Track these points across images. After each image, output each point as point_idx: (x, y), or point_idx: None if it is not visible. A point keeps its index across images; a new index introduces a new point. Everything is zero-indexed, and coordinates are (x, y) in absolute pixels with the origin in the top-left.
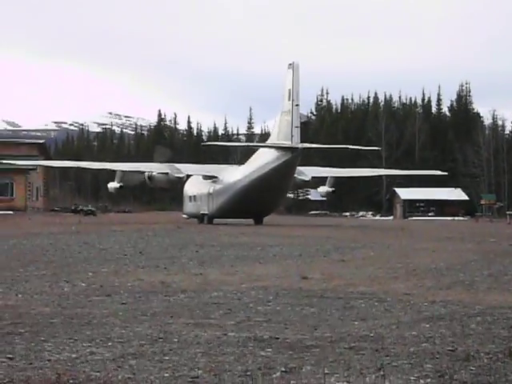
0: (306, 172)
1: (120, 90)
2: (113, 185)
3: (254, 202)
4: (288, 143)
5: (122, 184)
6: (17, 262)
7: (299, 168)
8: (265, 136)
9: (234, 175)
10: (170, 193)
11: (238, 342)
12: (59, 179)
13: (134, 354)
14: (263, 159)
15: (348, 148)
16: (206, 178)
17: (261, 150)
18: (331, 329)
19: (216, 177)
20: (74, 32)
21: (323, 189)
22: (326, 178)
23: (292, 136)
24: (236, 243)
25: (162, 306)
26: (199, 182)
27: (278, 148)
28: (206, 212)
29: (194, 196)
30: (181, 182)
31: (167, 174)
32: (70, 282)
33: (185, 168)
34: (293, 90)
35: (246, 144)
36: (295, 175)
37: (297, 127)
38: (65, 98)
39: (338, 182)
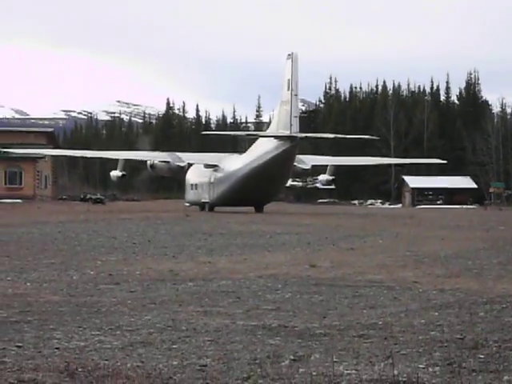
0: (306, 160)
1: (128, 78)
2: (115, 173)
3: (253, 191)
4: (286, 132)
5: (124, 172)
6: (26, 251)
7: (299, 156)
8: None
9: (234, 164)
10: (178, 181)
11: (247, 330)
12: (68, 168)
13: (142, 342)
14: (263, 148)
15: (345, 137)
16: (207, 166)
17: (261, 139)
18: (340, 317)
19: (217, 165)
20: (83, 20)
21: (323, 177)
22: (327, 166)
23: (291, 125)
24: (245, 231)
25: (171, 294)
26: (200, 171)
27: (276, 137)
28: (207, 200)
29: (196, 184)
30: (182, 170)
31: (168, 162)
32: (78, 270)
33: (186, 156)
34: (292, 80)
35: (246, 133)
36: (295, 163)
37: (295, 117)
38: (73, 87)
39: (346, 170)
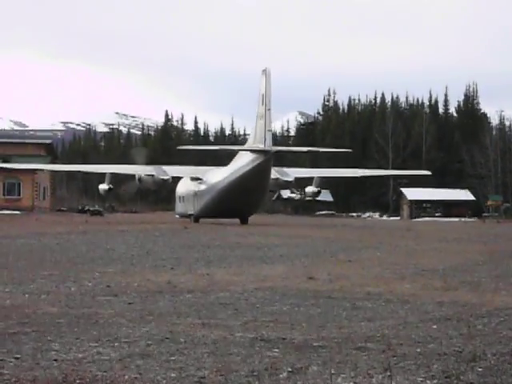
0: (290, 173)
1: (127, 90)
2: (102, 186)
3: (233, 203)
4: (261, 146)
5: (111, 186)
6: (24, 262)
7: (283, 169)
8: (272, 136)
9: (215, 177)
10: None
11: (245, 342)
12: (66, 179)
13: (140, 354)
14: (240, 161)
15: (319, 151)
16: (193, 179)
17: (240, 152)
18: (338, 329)
19: (201, 178)
20: (82, 32)
21: (310, 189)
22: (311, 178)
23: (265, 139)
24: (243, 243)
25: (169, 306)
26: (187, 183)
27: (252, 151)
28: (192, 212)
29: (183, 197)
30: (166, 183)
31: (153, 175)
32: (76, 281)
33: (170, 170)
34: (265, 94)
35: (224, 147)
36: (278, 176)
37: (269, 131)
38: (72, 98)
39: (345, 183)
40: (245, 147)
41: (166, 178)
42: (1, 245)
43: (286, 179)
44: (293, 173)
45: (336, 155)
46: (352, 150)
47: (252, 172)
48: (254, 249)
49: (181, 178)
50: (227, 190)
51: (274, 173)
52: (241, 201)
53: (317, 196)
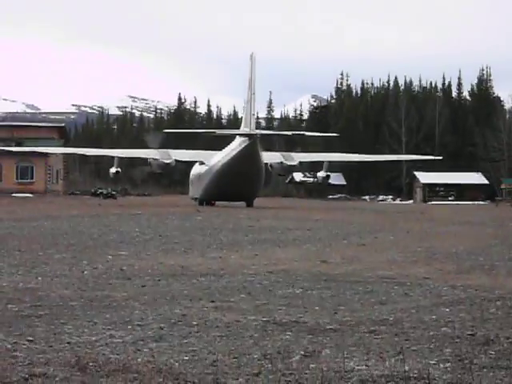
0: (295, 157)
1: (140, 73)
2: (111, 170)
3: (228, 186)
4: (247, 130)
5: (118, 169)
6: (37, 245)
7: (289, 153)
8: (285, 120)
9: (212, 160)
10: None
11: (258, 325)
12: (79, 162)
13: (153, 337)
14: (232, 145)
15: (304, 134)
16: (201, 163)
17: (237, 136)
18: (351, 312)
19: (204, 163)
20: (95, 15)
21: (320, 174)
22: (315, 162)
23: (250, 123)
24: (255, 227)
25: (182, 289)
26: (196, 168)
27: (237, 135)
28: (197, 195)
29: (192, 180)
30: (169, 167)
31: (157, 159)
32: (89, 264)
33: (175, 154)
34: (251, 79)
35: (209, 131)
36: (283, 160)
37: (253, 115)
38: (85, 81)
39: (358, 166)
40: (229, 131)
41: (168, 161)
42: (14, 228)
43: (289, 163)
44: (297, 157)
45: (349, 139)
46: (364, 133)
47: (239, 155)
48: (267, 232)
49: (185, 161)
50: (220, 173)
51: (280, 157)
52: (235, 183)
53: (327, 180)
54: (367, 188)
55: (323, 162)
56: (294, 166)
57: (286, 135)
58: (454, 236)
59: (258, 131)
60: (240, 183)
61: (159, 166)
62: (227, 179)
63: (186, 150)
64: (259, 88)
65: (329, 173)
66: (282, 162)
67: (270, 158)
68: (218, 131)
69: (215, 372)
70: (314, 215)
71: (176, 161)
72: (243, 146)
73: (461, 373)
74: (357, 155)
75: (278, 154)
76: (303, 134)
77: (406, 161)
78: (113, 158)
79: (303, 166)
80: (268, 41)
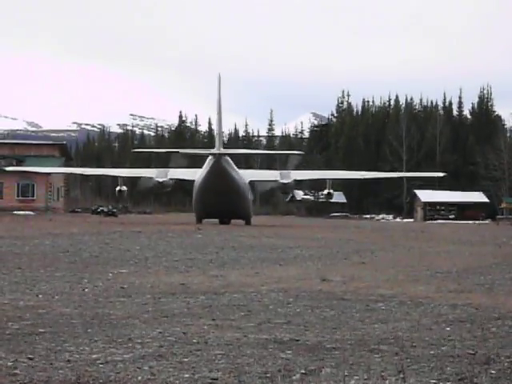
0: (291, 175)
1: (141, 91)
2: (117, 188)
3: (209, 203)
4: (212, 150)
5: (120, 188)
6: (38, 263)
7: (287, 172)
8: (285, 138)
9: (196, 178)
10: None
11: (258, 343)
12: (80, 180)
13: (153, 355)
14: (205, 164)
15: (268, 153)
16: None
17: None
18: (351, 331)
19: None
20: (96, 32)
21: (325, 192)
22: (315, 180)
23: (218, 142)
24: (256, 245)
25: (182, 307)
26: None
27: (203, 154)
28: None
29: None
30: (163, 185)
31: (152, 178)
32: (90, 282)
33: (173, 172)
34: (219, 100)
35: (174, 150)
36: (278, 179)
37: (218, 134)
38: (86, 99)
39: (358, 184)
40: (195, 151)
41: (161, 180)
42: (15, 245)
43: (283, 181)
44: (292, 175)
45: (350, 157)
46: (364, 151)
47: (208, 174)
48: (268, 250)
49: (182, 180)
50: (198, 190)
51: (276, 175)
52: (214, 201)
53: (330, 198)
54: (368, 206)
55: (322, 179)
56: (287, 183)
57: (253, 154)
58: (454, 255)
59: (221, 150)
60: (220, 201)
61: (154, 185)
62: (204, 197)
63: (185, 169)
64: (260, 106)
65: (331, 190)
66: (276, 180)
67: (267, 176)
68: (182, 150)
69: None
70: (314, 233)
71: (172, 179)
72: (210, 164)
73: None
74: (355, 172)
75: (276, 172)
76: (268, 153)
77: (406, 179)
78: (113, 176)
79: (304, 185)
80: (269, 59)
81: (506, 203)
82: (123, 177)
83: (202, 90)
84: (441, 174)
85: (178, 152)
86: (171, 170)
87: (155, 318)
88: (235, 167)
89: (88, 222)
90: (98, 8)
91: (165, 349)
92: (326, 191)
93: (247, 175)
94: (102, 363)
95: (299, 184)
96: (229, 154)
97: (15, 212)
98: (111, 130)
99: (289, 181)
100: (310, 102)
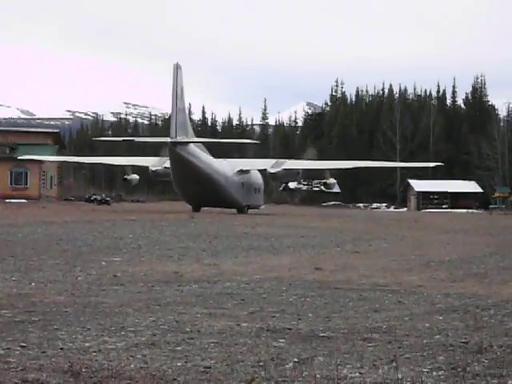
0: (280, 165)
1: (135, 79)
2: (125, 176)
3: (183, 193)
4: (168, 138)
5: (126, 176)
6: (30, 251)
7: (282, 160)
8: (278, 126)
9: None
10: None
11: (251, 332)
12: (73, 168)
13: (146, 343)
14: None
15: (221, 142)
16: None
17: None
18: (344, 320)
19: None
20: (90, 21)
21: (329, 181)
22: (298, 170)
23: (173, 131)
24: (250, 234)
25: (175, 295)
26: None
27: (159, 142)
28: None
29: None
30: (156, 173)
31: (147, 167)
32: (83, 270)
33: (164, 161)
34: (175, 90)
35: (128, 138)
36: (266, 168)
37: (174, 123)
38: (80, 87)
39: (352, 174)
40: (149, 139)
41: (154, 169)
42: (7, 233)
43: (271, 171)
44: (287, 165)
45: (343, 146)
46: (358, 141)
47: (170, 162)
48: (261, 239)
49: None
50: (173, 178)
51: (269, 164)
52: (187, 190)
53: (329, 188)
54: (361, 195)
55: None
56: (274, 173)
57: (207, 142)
58: (447, 244)
59: (174, 139)
60: (191, 189)
61: (150, 173)
62: (176, 186)
63: None
64: (254, 95)
65: (331, 180)
66: (265, 169)
67: (257, 165)
68: (137, 139)
69: (208, 379)
70: (308, 222)
71: (167, 168)
72: (168, 153)
73: (454, 381)
74: (342, 162)
75: (270, 161)
76: (221, 142)
77: (400, 169)
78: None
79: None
80: (263, 48)
81: (499, 193)
82: (129, 165)
83: (194, 78)
84: (432, 165)
85: (133, 140)
86: (164, 158)
87: (148, 306)
88: (203, 155)
89: (81, 211)
90: None
91: (158, 337)
92: (323, 181)
93: (238, 164)
94: (94, 351)
95: (291, 173)
96: (182, 143)
97: (8, 200)
98: (105, 119)
99: (278, 169)
100: (304, 92)
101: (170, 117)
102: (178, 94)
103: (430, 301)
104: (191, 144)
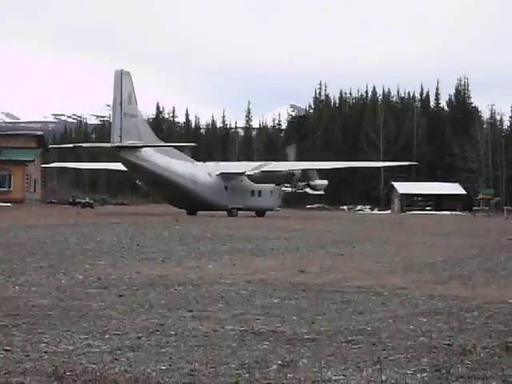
0: (260, 168)
1: None
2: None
3: (160, 196)
4: (116, 143)
5: (136, 181)
6: (14, 254)
7: (261, 163)
8: (263, 129)
9: None
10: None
11: (235, 335)
12: (57, 171)
13: (130, 346)
14: None
15: (166, 146)
16: None
17: None
18: (328, 322)
19: None
20: (73, 25)
21: (320, 182)
22: (279, 171)
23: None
24: (234, 236)
25: (159, 298)
26: None
27: (103, 148)
28: None
29: None
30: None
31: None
32: (67, 274)
33: None
34: (115, 95)
35: (76, 145)
36: (246, 170)
37: (118, 128)
38: (63, 91)
39: (336, 176)
40: (93, 144)
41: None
42: None
43: (249, 173)
44: (268, 167)
45: (327, 149)
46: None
47: (125, 167)
48: (245, 241)
49: None
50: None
51: (249, 167)
52: (160, 193)
53: (315, 189)
54: (345, 198)
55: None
56: (252, 175)
57: (153, 146)
58: (431, 246)
59: (120, 144)
60: (161, 192)
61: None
62: (147, 188)
63: (178, 161)
64: (238, 97)
65: (315, 181)
66: (243, 172)
67: (237, 167)
68: (84, 145)
69: (192, 381)
70: (291, 225)
71: None
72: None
73: (438, 383)
74: (326, 163)
75: (253, 163)
76: (169, 146)
77: (384, 171)
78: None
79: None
80: (246, 50)
81: (482, 194)
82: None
83: (177, 82)
84: (407, 163)
85: (81, 147)
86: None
87: (132, 309)
88: (163, 159)
89: (65, 214)
90: (75, 0)
91: (142, 340)
92: (321, 182)
93: (221, 167)
94: (78, 354)
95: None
96: (127, 148)
97: None
98: (89, 122)
99: (255, 172)
100: (287, 94)
101: (153, 120)
102: (124, 100)
103: (414, 303)
104: (145, 149)
